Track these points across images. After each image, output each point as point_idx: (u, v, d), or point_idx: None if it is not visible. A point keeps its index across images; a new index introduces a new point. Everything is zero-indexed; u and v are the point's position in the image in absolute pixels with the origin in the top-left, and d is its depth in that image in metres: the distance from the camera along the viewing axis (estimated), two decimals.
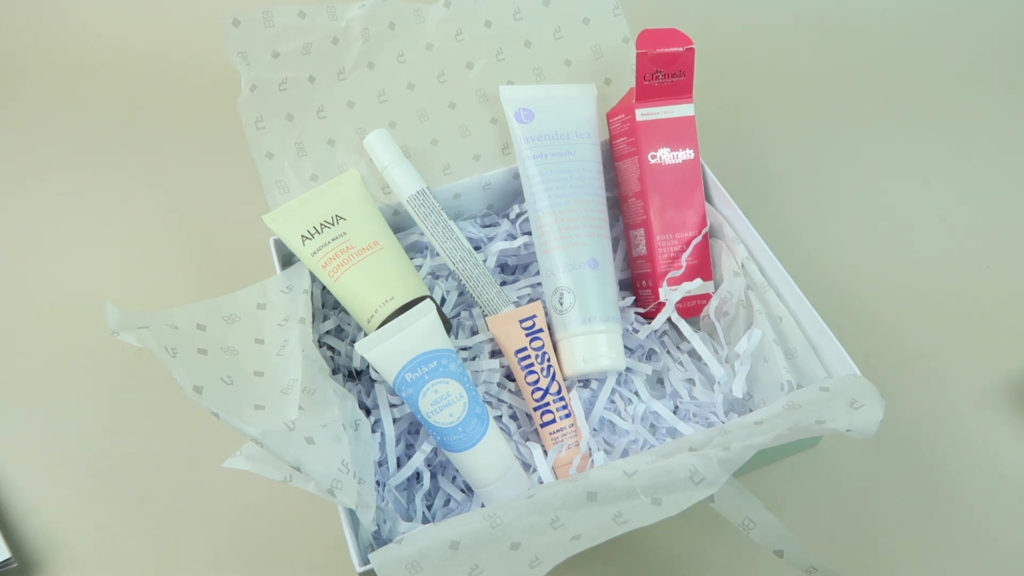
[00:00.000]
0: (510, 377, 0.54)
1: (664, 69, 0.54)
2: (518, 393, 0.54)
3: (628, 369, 0.55)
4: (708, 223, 0.56)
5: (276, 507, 0.53)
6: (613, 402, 0.54)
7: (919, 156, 0.72)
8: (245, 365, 0.46)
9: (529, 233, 0.57)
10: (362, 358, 0.51)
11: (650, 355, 0.57)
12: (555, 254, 0.53)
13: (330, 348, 0.54)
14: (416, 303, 0.50)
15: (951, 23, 0.83)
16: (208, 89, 0.79)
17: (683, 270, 0.55)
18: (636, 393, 0.54)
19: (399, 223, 0.58)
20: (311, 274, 0.53)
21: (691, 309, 0.56)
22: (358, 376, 0.54)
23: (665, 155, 0.55)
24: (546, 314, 0.54)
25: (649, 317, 0.57)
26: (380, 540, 0.45)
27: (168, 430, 0.56)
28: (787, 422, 0.41)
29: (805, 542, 0.40)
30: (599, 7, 0.60)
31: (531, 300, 0.57)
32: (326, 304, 0.56)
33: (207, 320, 0.47)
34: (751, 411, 0.49)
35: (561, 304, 0.53)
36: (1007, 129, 0.73)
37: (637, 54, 0.53)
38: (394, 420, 0.51)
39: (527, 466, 0.51)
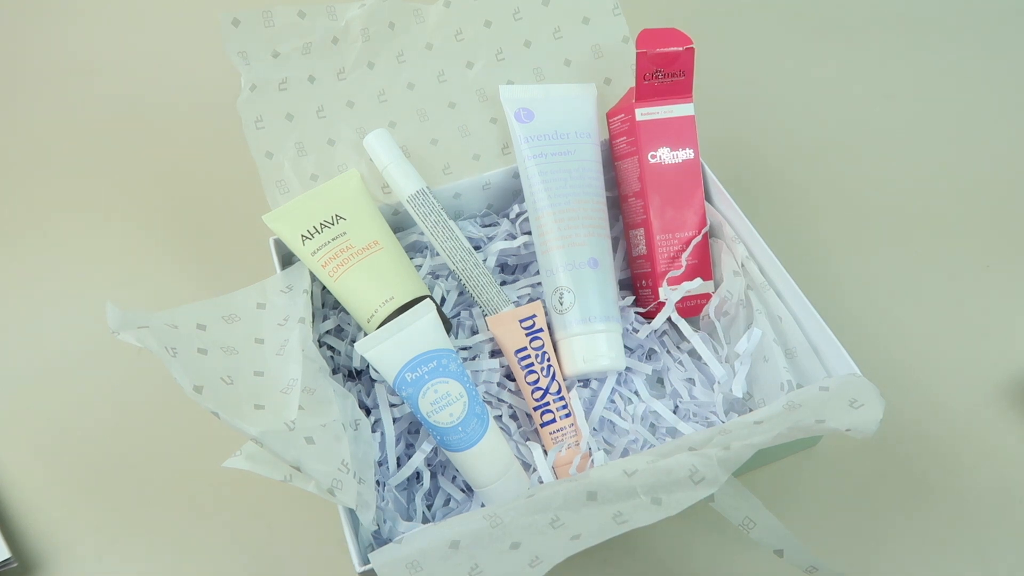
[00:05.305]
0: (510, 377, 0.54)
1: (664, 68, 0.54)
2: (518, 393, 0.54)
3: (628, 369, 0.55)
4: (708, 223, 0.56)
5: (276, 507, 0.53)
6: (613, 402, 0.54)
7: (920, 156, 0.72)
8: (245, 365, 0.46)
9: (529, 233, 0.57)
10: (362, 358, 0.51)
11: (650, 355, 0.57)
12: (555, 254, 0.53)
13: (330, 348, 0.54)
14: (416, 303, 0.50)
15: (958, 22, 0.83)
16: (208, 88, 0.79)
17: (683, 270, 0.55)
18: (636, 393, 0.54)
19: (399, 223, 0.58)
20: (311, 274, 0.53)
21: (691, 309, 0.56)
22: (358, 376, 0.54)
23: (665, 155, 0.55)
24: (546, 314, 0.54)
25: (649, 317, 0.57)
26: (380, 540, 0.45)
27: (168, 430, 0.56)
28: (787, 421, 0.41)
29: (805, 542, 0.40)
30: (599, 7, 0.60)
31: (531, 300, 0.57)
32: (326, 304, 0.56)
33: (207, 320, 0.47)
34: (751, 411, 0.48)
35: (561, 304, 0.53)
36: (1011, 129, 0.73)
37: (637, 54, 0.53)
38: (394, 420, 0.51)
39: (527, 466, 0.51)
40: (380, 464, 0.50)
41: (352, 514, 0.44)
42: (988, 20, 0.83)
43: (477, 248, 0.59)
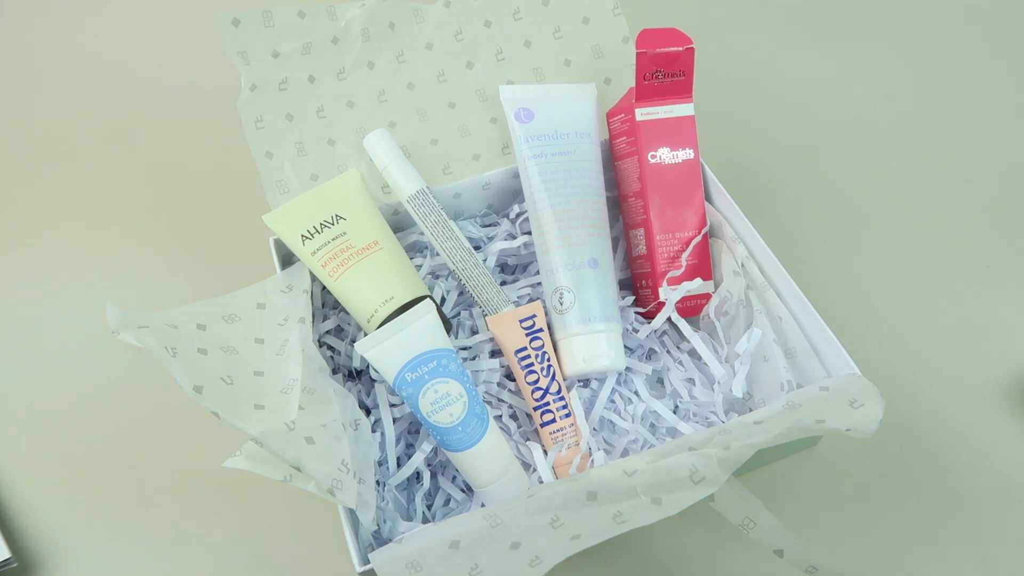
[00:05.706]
0: (510, 377, 0.54)
1: (664, 68, 0.54)
2: (518, 393, 0.54)
3: (628, 369, 0.55)
4: (708, 223, 0.56)
5: (276, 507, 0.53)
6: (613, 402, 0.54)
7: (920, 156, 0.72)
8: (245, 365, 0.46)
9: (529, 233, 0.57)
10: (362, 358, 0.51)
11: (650, 355, 0.57)
12: (555, 254, 0.53)
13: (330, 348, 0.54)
14: (416, 303, 0.50)
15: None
16: (208, 88, 0.79)
17: (683, 270, 0.55)
18: (636, 393, 0.54)
19: (399, 223, 0.58)
20: (311, 274, 0.53)
21: (691, 309, 0.56)
22: (358, 376, 0.54)
23: (665, 155, 0.55)
24: (546, 314, 0.54)
25: (649, 317, 0.57)
26: (380, 540, 0.45)
27: (168, 430, 0.56)
28: (787, 421, 0.41)
29: (805, 542, 0.40)
30: (599, 7, 0.60)
31: (531, 300, 0.57)
32: (326, 304, 0.56)
33: (207, 320, 0.47)
34: (751, 411, 0.48)
35: (561, 304, 0.53)
36: (1011, 129, 0.73)
37: (637, 54, 0.53)
38: (394, 420, 0.51)
39: (527, 466, 0.51)
40: (380, 464, 0.50)
41: (352, 514, 0.44)
42: (988, 20, 0.83)
43: (477, 248, 0.59)
